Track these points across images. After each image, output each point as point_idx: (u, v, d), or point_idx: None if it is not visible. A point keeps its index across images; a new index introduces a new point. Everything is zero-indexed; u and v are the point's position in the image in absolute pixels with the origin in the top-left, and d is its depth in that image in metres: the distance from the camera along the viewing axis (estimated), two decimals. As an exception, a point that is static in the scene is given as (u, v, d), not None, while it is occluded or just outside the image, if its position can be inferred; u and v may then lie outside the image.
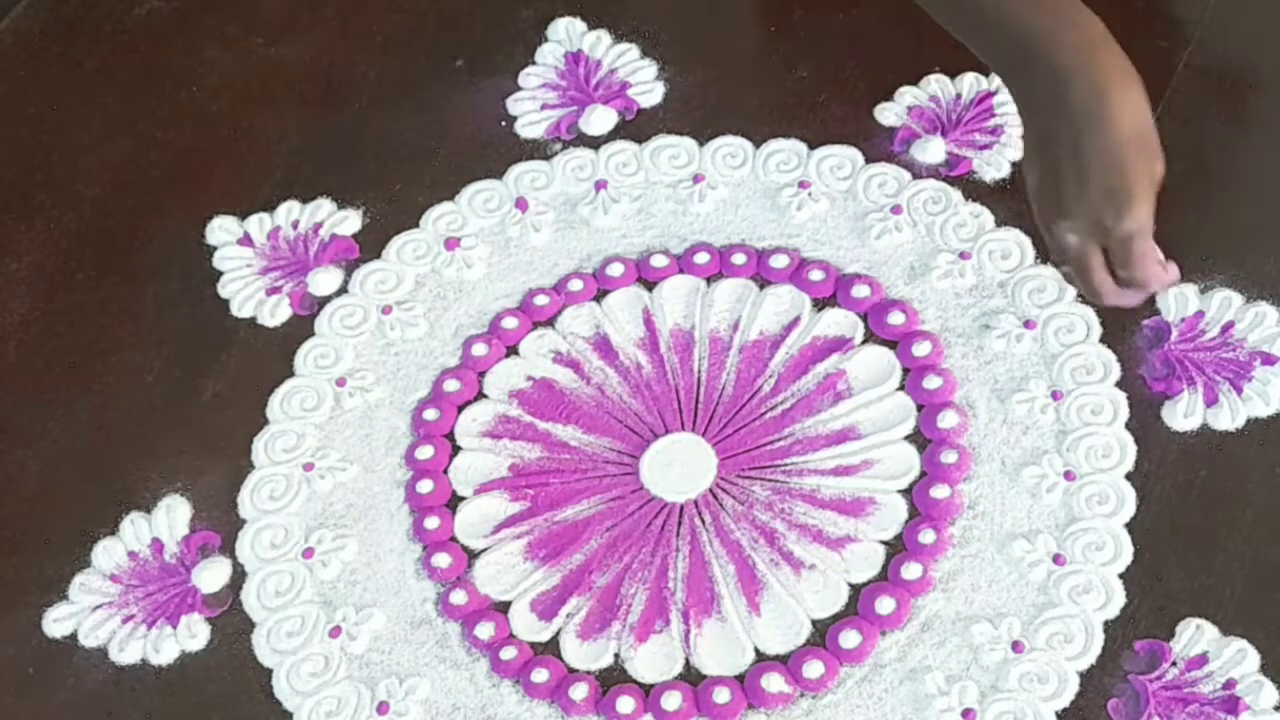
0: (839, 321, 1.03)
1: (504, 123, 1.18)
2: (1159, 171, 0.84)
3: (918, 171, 1.09)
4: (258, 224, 1.15)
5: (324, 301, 1.10)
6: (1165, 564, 0.91)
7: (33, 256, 1.17)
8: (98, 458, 1.05)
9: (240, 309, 1.11)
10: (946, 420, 0.97)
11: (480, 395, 1.04)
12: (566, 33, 1.22)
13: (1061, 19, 0.84)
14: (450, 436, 1.03)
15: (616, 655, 0.93)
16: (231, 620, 0.97)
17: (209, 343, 1.09)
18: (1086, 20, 0.85)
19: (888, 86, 1.14)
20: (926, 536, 0.93)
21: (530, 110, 1.18)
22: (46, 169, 1.22)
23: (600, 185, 1.12)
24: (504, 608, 0.95)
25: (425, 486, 1.00)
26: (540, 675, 0.92)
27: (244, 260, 1.13)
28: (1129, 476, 0.94)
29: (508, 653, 0.93)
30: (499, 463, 1.01)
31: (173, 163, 1.20)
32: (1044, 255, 1.00)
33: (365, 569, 0.98)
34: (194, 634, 0.97)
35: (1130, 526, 0.92)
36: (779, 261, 1.06)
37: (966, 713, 0.87)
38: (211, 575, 0.99)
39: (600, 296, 1.07)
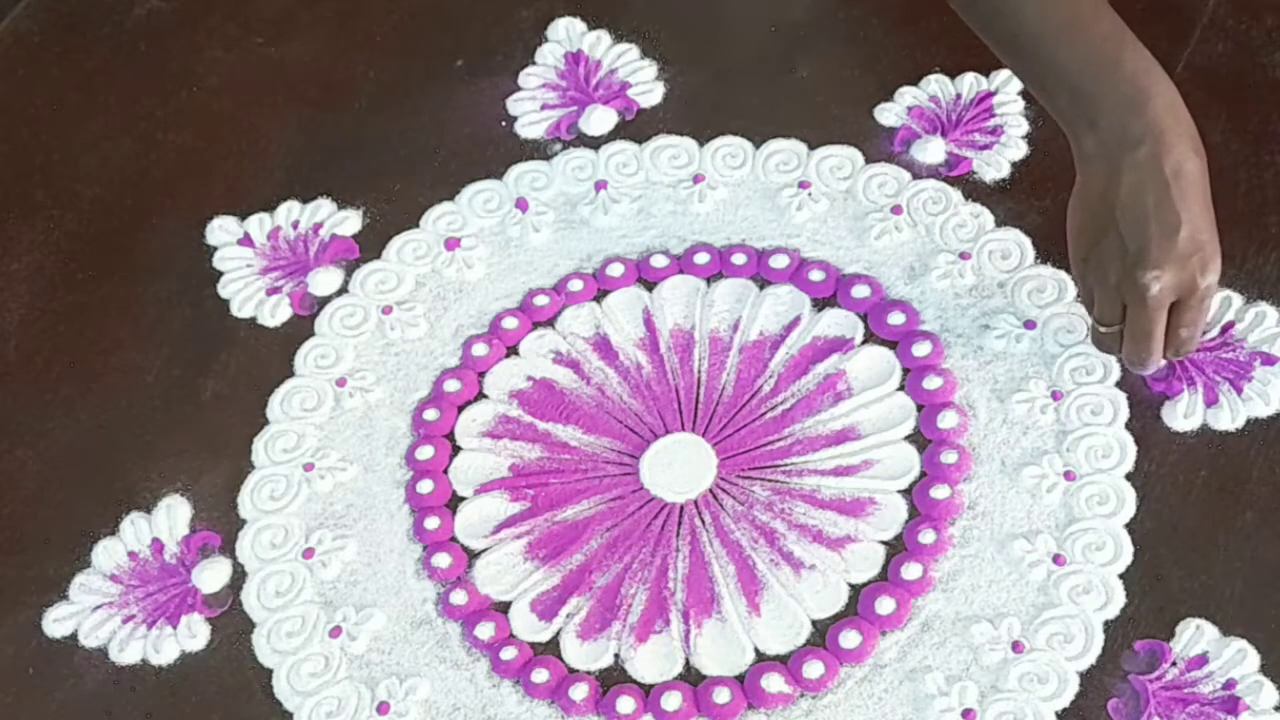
0: (839, 321, 1.03)
1: (504, 123, 1.18)
2: None
3: (918, 171, 1.09)
4: (258, 224, 1.15)
5: (324, 301, 1.10)
6: (1165, 564, 0.91)
7: (33, 256, 1.17)
8: (98, 458, 1.05)
9: (240, 309, 1.11)
10: (946, 420, 0.97)
11: (480, 395, 1.04)
12: (566, 33, 1.22)
13: (1152, 79, 0.89)
14: (450, 437, 1.03)
15: (616, 655, 0.93)
16: (231, 620, 0.97)
17: (209, 343, 1.09)
18: (1167, 87, 0.90)
19: (888, 86, 1.14)
20: (926, 536, 0.93)
21: (530, 110, 1.18)
22: (46, 169, 1.22)
23: (600, 185, 1.12)
24: (504, 608, 0.95)
25: (425, 486, 1.00)
26: (540, 675, 0.92)
27: (244, 260, 1.13)
28: (1129, 476, 0.94)
29: (508, 653, 0.93)
30: (499, 463, 1.01)
31: (173, 163, 1.21)
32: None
33: (365, 569, 0.98)
34: (194, 634, 0.97)
35: (1130, 526, 0.92)
36: (779, 262, 1.06)
37: (966, 713, 0.87)
38: (211, 575, 0.99)
39: (600, 297, 1.07)
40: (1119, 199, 0.88)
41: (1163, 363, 0.94)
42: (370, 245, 1.13)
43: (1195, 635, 0.87)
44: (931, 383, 0.99)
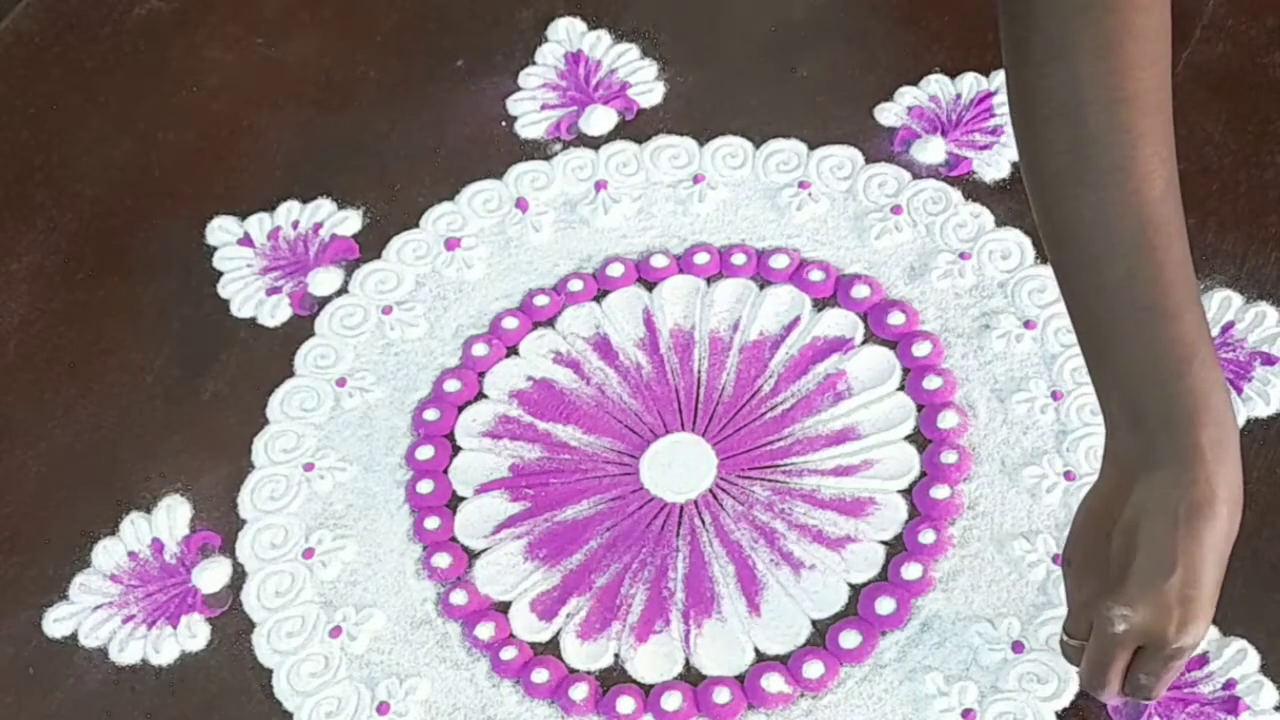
0: (839, 321, 1.03)
1: (504, 123, 1.18)
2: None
3: (918, 171, 1.09)
4: (258, 224, 1.15)
5: (324, 301, 1.10)
6: (1165, 564, 0.91)
7: (33, 256, 1.17)
8: (98, 458, 1.05)
9: (240, 309, 1.11)
10: (946, 420, 0.97)
11: (480, 395, 1.04)
12: (566, 33, 1.22)
13: (1209, 404, 0.76)
14: (450, 436, 1.03)
15: (616, 655, 0.93)
16: (231, 620, 0.97)
17: (209, 343, 1.09)
18: (1229, 416, 0.77)
19: (888, 86, 1.14)
20: (926, 536, 0.93)
21: (530, 110, 1.18)
22: (46, 169, 1.22)
23: (600, 185, 1.12)
24: (504, 608, 0.95)
25: (425, 486, 1.00)
26: (540, 675, 0.92)
27: (244, 260, 1.13)
28: (1129, 476, 0.94)
29: (508, 653, 0.93)
30: (499, 463, 1.01)
31: (173, 163, 1.21)
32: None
33: (365, 569, 0.98)
34: (194, 634, 0.97)
35: (1130, 526, 0.92)
36: (779, 261, 1.06)
37: (966, 713, 0.87)
38: (211, 575, 0.99)
39: (600, 297, 1.07)
40: (1121, 516, 0.77)
41: (1122, 699, 0.82)
42: (370, 245, 1.13)
43: (1195, 635, 0.87)
44: (931, 383, 0.99)
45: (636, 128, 1.16)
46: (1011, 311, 1.01)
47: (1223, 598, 0.88)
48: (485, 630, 0.94)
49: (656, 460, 0.99)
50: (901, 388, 1.00)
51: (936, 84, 1.13)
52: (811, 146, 1.12)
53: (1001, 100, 1.11)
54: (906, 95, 1.13)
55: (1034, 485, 0.94)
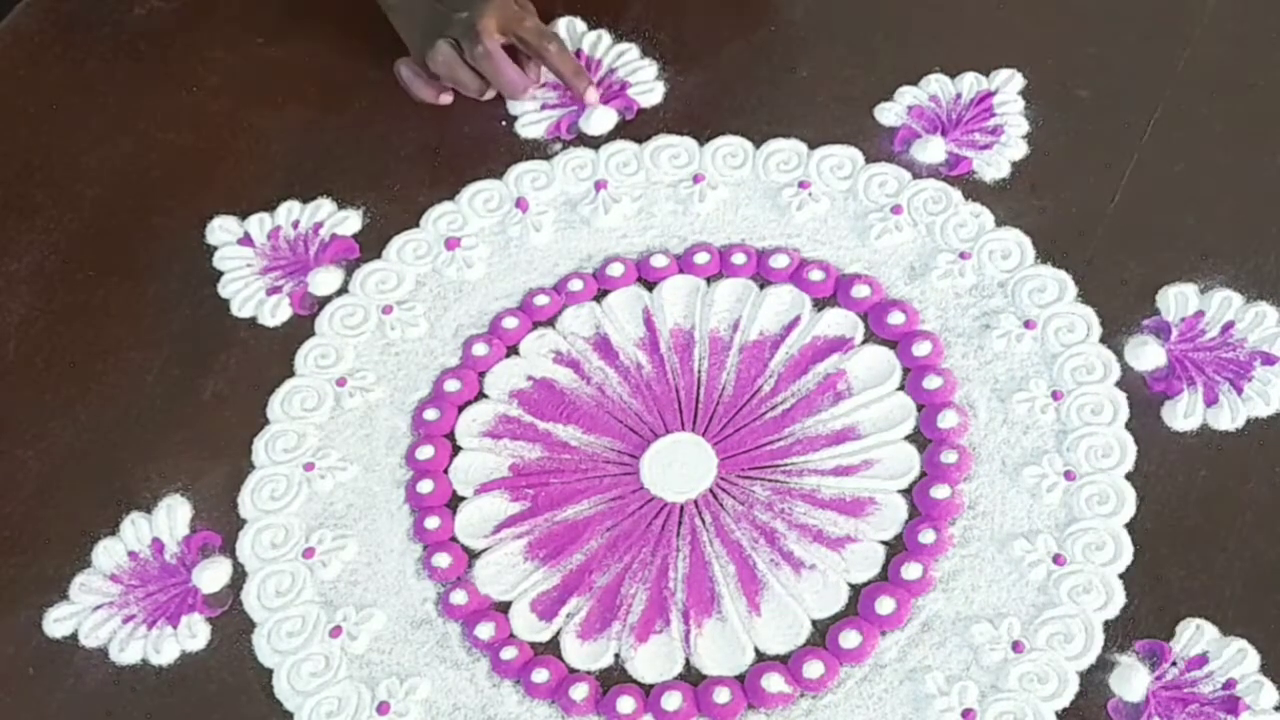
0: (839, 321, 1.03)
1: (504, 123, 1.18)
2: None
3: (918, 171, 1.09)
4: (258, 224, 1.15)
5: (324, 301, 1.10)
6: (1165, 564, 0.91)
7: (33, 256, 1.17)
8: (98, 458, 1.05)
9: (240, 309, 1.11)
10: (946, 420, 0.97)
11: (480, 395, 1.04)
12: (566, 33, 1.22)
13: None
14: (450, 436, 1.03)
15: (617, 655, 0.93)
16: (231, 620, 0.97)
17: (209, 343, 1.09)
18: None
19: (888, 86, 1.14)
20: (926, 536, 0.93)
21: (530, 110, 1.18)
22: (46, 169, 1.22)
23: (600, 185, 1.12)
24: (504, 608, 0.95)
25: (425, 486, 1.00)
26: (540, 675, 0.92)
27: (244, 260, 1.13)
28: (1129, 476, 0.94)
29: (508, 653, 0.93)
30: (499, 463, 1.01)
31: (173, 163, 1.20)
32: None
33: (365, 569, 0.98)
34: (194, 634, 0.97)
35: (1130, 526, 0.92)
36: (779, 261, 1.06)
37: (966, 713, 0.87)
38: (212, 575, 0.99)
39: (600, 296, 1.07)
40: None
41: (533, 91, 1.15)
42: (370, 245, 1.13)
43: (1195, 635, 0.87)
44: (931, 383, 0.99)
45: (636, 128, 1.16)
46: (1011, 311, 1.01)
47: (1223, 598, 0.89)
48: (485, 630, 0.94)
49: (657, 460, 0.99)
50: (901, 388, 1.00)
51: (936, 84, 1.13)
52: (811, 146, 1.12)
53: (1001, 100, 1.11)
54: (906, 95, 1.13)
55: (1034, 485, 0.94)
